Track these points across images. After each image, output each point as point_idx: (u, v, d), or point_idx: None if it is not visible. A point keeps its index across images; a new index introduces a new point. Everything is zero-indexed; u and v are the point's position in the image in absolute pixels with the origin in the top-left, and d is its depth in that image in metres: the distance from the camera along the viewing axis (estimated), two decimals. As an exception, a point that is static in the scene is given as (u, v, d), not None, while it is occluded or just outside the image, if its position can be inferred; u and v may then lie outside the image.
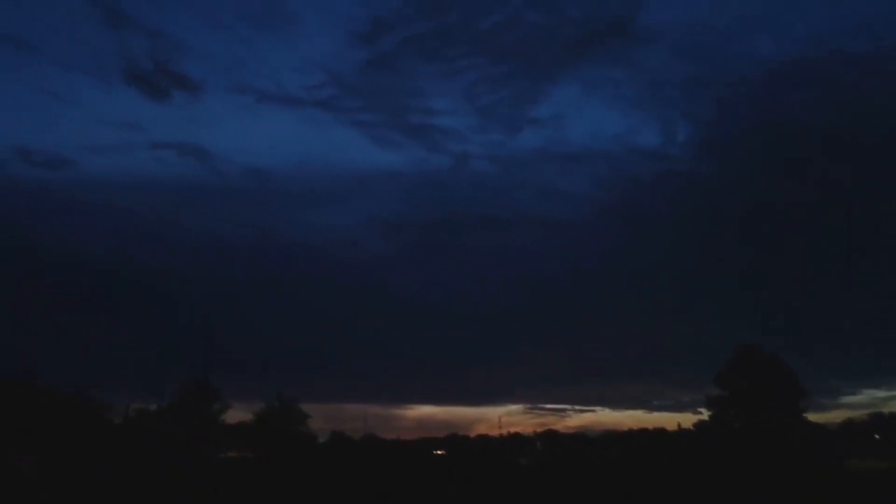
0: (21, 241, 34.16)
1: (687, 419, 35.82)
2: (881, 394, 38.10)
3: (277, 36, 40.09)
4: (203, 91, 39.32)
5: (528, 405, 41.36)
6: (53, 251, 34.33)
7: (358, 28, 39.17)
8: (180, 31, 37.95)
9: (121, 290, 34.59)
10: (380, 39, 39.72)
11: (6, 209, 34.70)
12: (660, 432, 34.12)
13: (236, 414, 25.93)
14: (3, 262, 32.99)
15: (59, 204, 35.59)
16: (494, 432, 40.41)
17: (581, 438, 38.21)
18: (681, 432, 26.90)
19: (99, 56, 37.07)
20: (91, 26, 38.01)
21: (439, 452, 34.92)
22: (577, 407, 41.30)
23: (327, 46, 40.21)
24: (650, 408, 40.02)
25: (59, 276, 33.77)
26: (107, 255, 35.41)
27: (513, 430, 41.58)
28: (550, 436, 41.17)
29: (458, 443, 39.17)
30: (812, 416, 20.02)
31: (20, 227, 34.69)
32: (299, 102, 40.37)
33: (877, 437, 29.58)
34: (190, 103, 39.09)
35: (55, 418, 20.31)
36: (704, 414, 21.47)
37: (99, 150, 38.44)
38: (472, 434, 42.55)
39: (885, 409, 32.07)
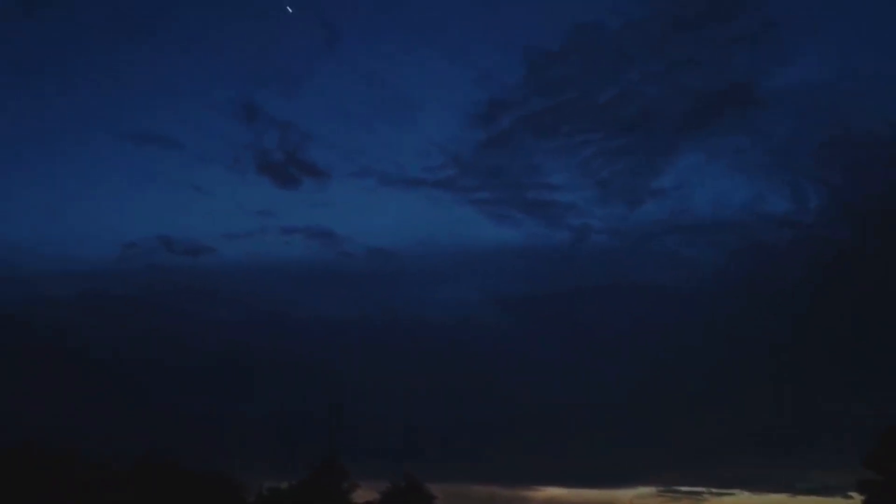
0: (163, 325, 35.64)
1: (836, 505, 33.49)
2: None
3: (398, 121, 41.41)
4: (329, 177, 40.60)
5: (662, 487, 39.36)
6: (191, 334, 35.61)
7: (475, 109, 40.02)
8: (308, 122, 40.01)
9: (253, 371, 35.47)
10: (496, 119, 40.32)
11: (151, 296, 36.32)
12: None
13: (364, 493, 25.91)
14: (146, 348, 34.34)
15: (197, 289, 37.04)
16: (626, 516, 38.83)
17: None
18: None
19: (234, 149, 39.08)
20: (227, 122, 40.17)
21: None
22: (714, 490, 39.14)
23: (446, 128, 41.40)
24: (794, 491, 37.33)
25: (196, 358, 34.93)
26: (239, 337, 36.47)
27: (645, 513, 39.91)
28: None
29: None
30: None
31: (164, 312, 36.25)
32: (420, 183, 41.19)
33: None
34: (317, 189, 40.36)
35: (197, 498, 20.78)
36: (856, 499, 20.11)
37: (234, 237, 39.95)
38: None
39: None
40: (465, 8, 39.29)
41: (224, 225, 40.40)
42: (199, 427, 31.45)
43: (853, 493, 19.24)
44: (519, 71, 39.12)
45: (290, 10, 37.09)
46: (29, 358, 31.48)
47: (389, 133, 41.78)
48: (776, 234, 42.55)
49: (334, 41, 37.99)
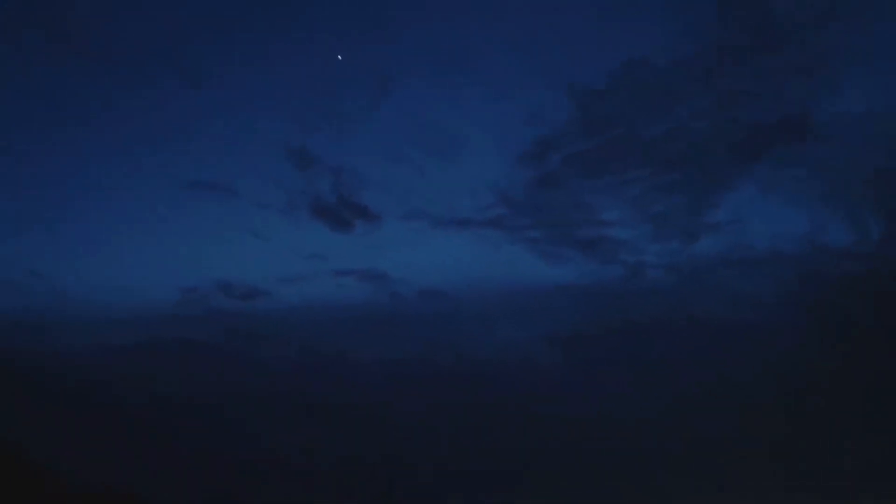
0: (221, 369, 36.10)
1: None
2: None
3: (448, 162, 41.63)
4: (381, 219, 41.06)
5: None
6: (246, 377, 36.00)
7: (523, 148, 40.08)
8: (360, 166, 40.48)
9: (306, 413, 35.67)
10: (545, 158, 40.26)
11: (209, 340, 36.89)
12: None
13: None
14: (204, 393, 34.78)
15: (252, 332, 37.60)
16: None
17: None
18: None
19: (289, 194, 39.76)
20: (282, 168, 40.93)
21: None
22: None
23: (495, 168, 41.53)
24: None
25: (252, 400, 35.23)
26: (293, 380, 36.76)
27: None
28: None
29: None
30: None
31: (221, 356, 36.75)
32: (470, 223, 41.25)
33: None
34: (369, 232, 40.75)
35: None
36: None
37: (288, 281, 40.49)
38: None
39: None
40: (512, 48, 39.62)
41: (279, 269, 41.00)
42: (259, 470, 31.68)
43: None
44: (566, 109, 39.23)
45: (340, 58, 37.90)
46: (90, 405, 32.05)
47: (439, 174, 42.11)
48: (837, 266, 41.47)
49: (384, 85, 38.62)
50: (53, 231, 40.37)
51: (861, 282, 39.81)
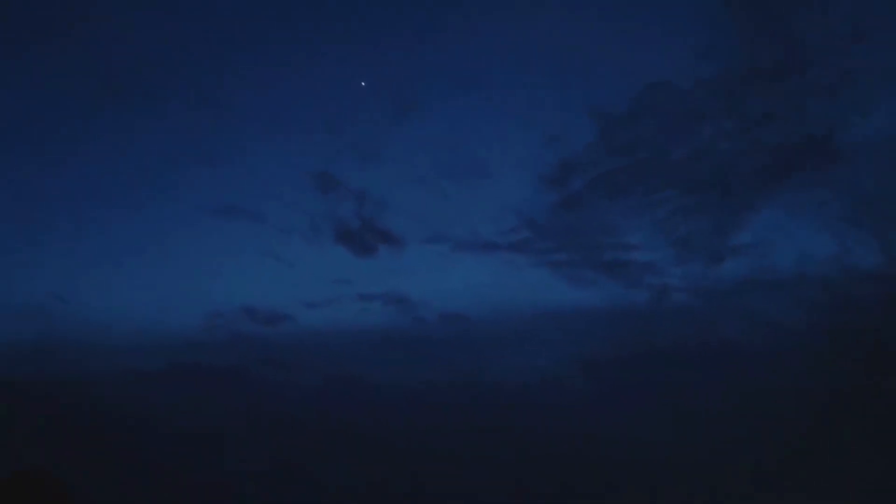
0: (246, 394, 36.09)
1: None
2: None
3: (470, 185, 41.64)
4: (404, 243, 41.11)
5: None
6: (272, 402, 35.96)
7: (547, 172, 39.97)
8: (383, 190, 40.55)
9: (330, 437, 35.57)
10: (568, 181, 40.11)
11: (235, 364, 36.98)
12: None
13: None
14: (230, 417, 34.73)
15: (277, 357, 37.69)
16: None
17: None
18: None
19: (313, 219, 39.92)
20: (306, 193, 41.10)
21: None
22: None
23: (518, 191, 41.42)
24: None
25: (277, 425, 35.20)
26: (315, 404, 36.70)
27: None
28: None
29: None
30: None
31: (247, 381, 36.74)
32: (494, 247, 41.13)
33: None
34: (392, 255, 40.82)
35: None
36: None
37: (312, 305, 40.53)
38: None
39: None
40: (533, 71, 39.73)
41: (303, 293, 41.06)
42: (283, 495, 31.60)
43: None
44: (589, 132, 39.24)
45: (364, 84, 38.13)
46: (113, 431, 32.08)
47: (462, 198, 42.10)
48: (865, 289, 40.94)
49: (406, 110, 38.88)
50: (77, 255, 40.71)
51: (890, 304, 39.26)
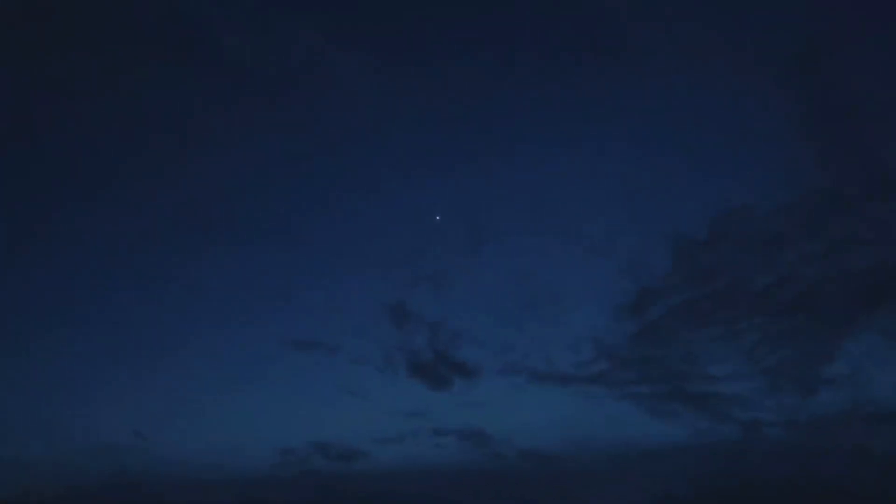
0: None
1: None
2: None
3: (546, 316, 41.15)
4: (479, 376, 40.41)
5: None
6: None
7: (624, 300, 39.22)
8: (457, 322, 40.35)
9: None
10: (647, 310, 39.23)
11: (306, 501, 36.21)
12: None
13: None
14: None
15: (351, 494, 36.64)
16: None
17: None
18: None
19: (386, 352, 39.77)
20: (380, 326, 41.16)
21: None
22: None
23: (595, 321, 40.60)
24: None
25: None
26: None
27: None
28: None
29: None
30: None
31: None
32: (572, 379, 40.01)
33: None
34: (467, 389, 40.04)
35: None
36: None
37: (386, 441, 39.75)
38: None
39: None
40: (608, 198, 39.81)
41: (376, 428, 40.23)
42: None
43: None
44: (667, 259, 38.67)
45: (439, 219, 38.70)
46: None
47: (538, 329, 41.49)
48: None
49: (481, 242, 39.09)
50: (159, 392, 41.14)
51: None
